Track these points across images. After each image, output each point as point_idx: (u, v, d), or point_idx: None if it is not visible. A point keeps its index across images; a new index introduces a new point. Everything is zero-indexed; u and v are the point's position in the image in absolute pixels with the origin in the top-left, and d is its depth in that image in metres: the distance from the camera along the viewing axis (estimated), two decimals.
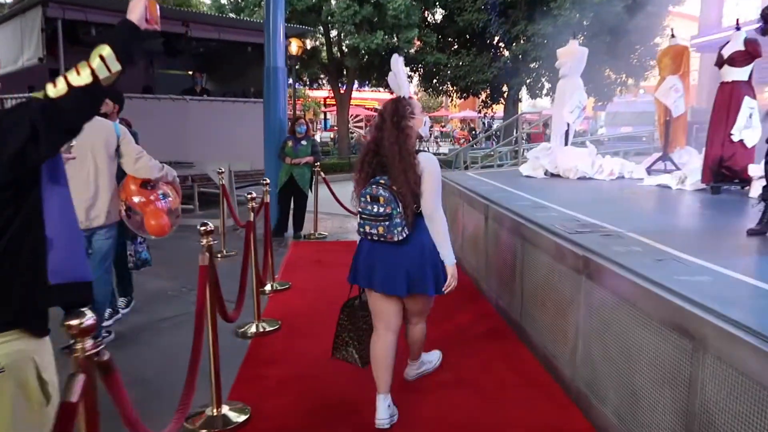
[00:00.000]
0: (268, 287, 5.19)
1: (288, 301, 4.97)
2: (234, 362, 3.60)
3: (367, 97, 30.29)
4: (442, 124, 41.44)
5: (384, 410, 2.87)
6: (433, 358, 3.49)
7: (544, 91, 19.66)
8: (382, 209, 2.68)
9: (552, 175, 7.30)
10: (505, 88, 19.62)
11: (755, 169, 5.49)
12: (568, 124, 7.49)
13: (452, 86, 19.90)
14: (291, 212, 7.73)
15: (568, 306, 3.25)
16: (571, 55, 7.40)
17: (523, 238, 4.07)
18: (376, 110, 30.87)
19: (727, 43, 5.56)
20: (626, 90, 21.11)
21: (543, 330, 3.65)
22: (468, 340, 4.03)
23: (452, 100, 22.98)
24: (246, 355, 3.77)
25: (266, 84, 8.09)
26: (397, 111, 2.77)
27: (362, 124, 30.72)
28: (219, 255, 6.42)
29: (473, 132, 26.89)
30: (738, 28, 5.55)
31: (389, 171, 2.74)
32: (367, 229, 2.76)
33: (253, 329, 4.18)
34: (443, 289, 2.85)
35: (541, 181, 7.00)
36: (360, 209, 2.78)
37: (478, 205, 5.29)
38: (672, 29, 7.68)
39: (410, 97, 2.87)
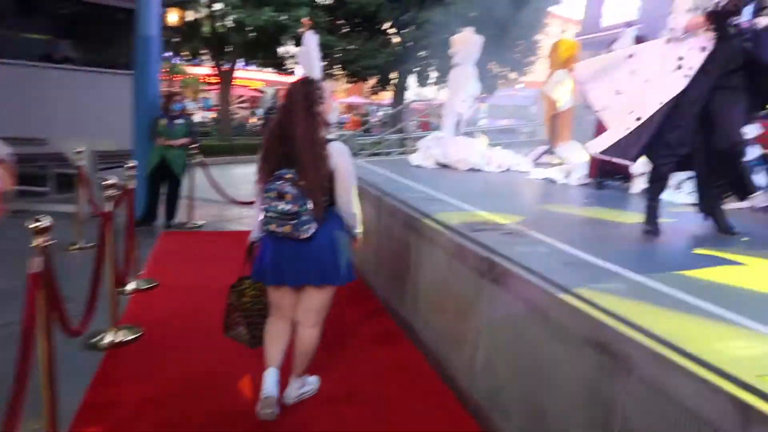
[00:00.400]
0: (130, 286, 4.52)
1: (153, 302, 4.34)
2: (80, 383, 2.99)
3: (253, 77, 28.99)
4: None
5: (271, 385, 2.71)
6: (313, 380, 3.08)
7: (432, 80, 19.80)
8: (288, 207, 2.48)
9: (442, 165, 7.16)
10: (394, 75, 19.50)
11: (638, 165, 5.62)
12: (460, 114, 7.38)
13: (341, 70, 19.47)
14: (163, 198, 6.98)
15: (469, 310, 2.99)
16: (465, 43, 7.27)
17: (418, 234, 3.78)
18: (261, 91, 29.82)
19: (615, 40, 5.63)
20: (508, 83, 21.82)
21: (439, 334, 3.38)
22: (358, 345, 3.68)
23: (341, 84, 22.55)
24: (96, 374, 3.15)
25: (137, 55, 7.20)
26: (308, 94, 2.55)
27: (246, 104, 29.44)
28: (73, 248, 5.60)
29: (366, 119, 26.74)
30: (628, 26, 5.63)
31: (297, 163, 2.50)
32: (273, 227, 2.54)
33: (107, 339, 3.54)
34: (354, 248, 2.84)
35: (432, 171, 6.81)
36: (264, 206, 2.54)
37: (369, 196, 4.94)
38: (564, 22, 7.77)
39: (321, 80, 2.73)
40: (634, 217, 4.04)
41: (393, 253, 4.25)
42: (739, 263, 2.92)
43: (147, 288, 4.60)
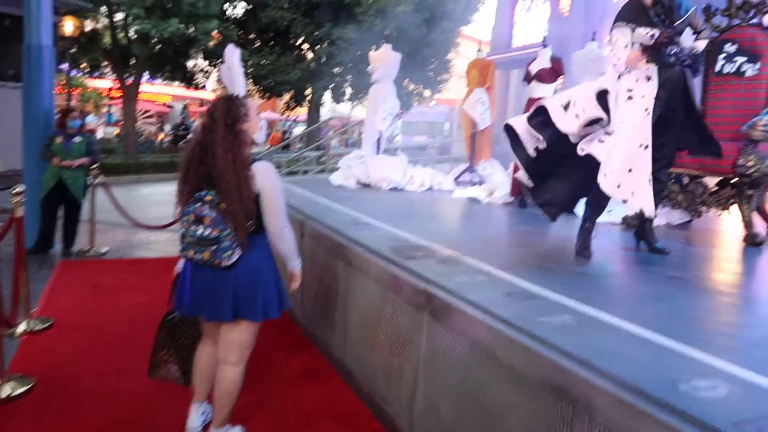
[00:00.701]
0: (20, 328, 3.99)
1: (49, 346, 3.83)
2: None
3: (160, 92, 27.71)
4: None
5: (197, 418, 2.69)
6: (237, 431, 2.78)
7: (347, 97, 19.75)
8: (207, 232, 2.32)
9: (364, 184, 6.99)
10: (308, 91, 19.26)
11: None
12: (381, 132, 7.26)
13: (254, 85, 19.00)
14: (61, 224, 6.35)
15: (406, 346, 2.80)
16: (384, 60, 7.17)
17: (347, 262, 3.57)
18: (169, 106, 28.56)
19: (534, 59, 5.70)
20: (422, 101, 22.16)
21: (373, 371, 3.16)
22: (284, 385, 3.39)
23: (253, 100, 22.01)
24: None
25: (26, 66, 6.53)
26: (230, 112, 2.40)
27: (153, 120, 28.12)
28: None
29: (286, 135, 26.18)
30: (545, 46, 5.72)
31: (218, 184, 2.35)
32: (191, 253, 2.37)
33: None
34: (290, 288, 2.69)
35: (354, 192, 6.62)
36: (182, 231, 2.39)
37: (291, 220, 4.65)
38: (479, 42, 7.87)
39: (245, 96, 2.52)
40: (560, 237, 4.04)
41: (320, 283, 4.00)
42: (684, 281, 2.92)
43: (41, 329, 4.07)
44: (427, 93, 20.24)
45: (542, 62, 5.60)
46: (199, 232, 2.32)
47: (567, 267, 3.26)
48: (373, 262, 3.21)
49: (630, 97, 3.19)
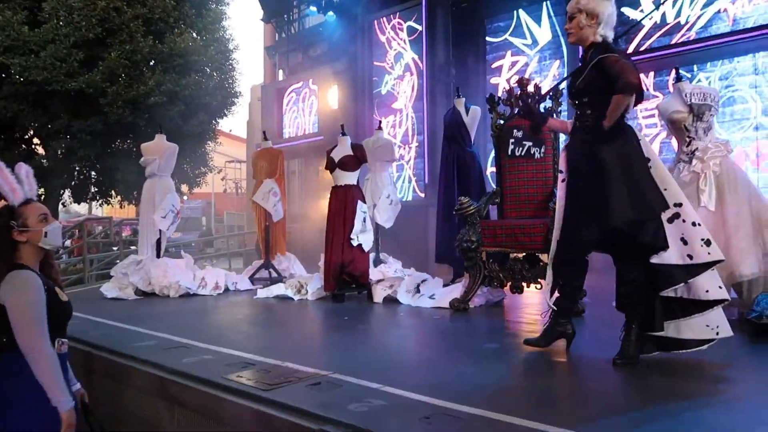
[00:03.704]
0: None
1: None
2: None
3: None
4: None
5: None
6: None
7: (89, 195, 17.56)
8: None
9: (145, 293, 5.91)
10: (41, 191, 16.64)
11: (375, 273, 5.47)
12: (161, 231, 6.29)
13: None
14: None
15: None
16: (160, 151, 6.34)
17: (177, 404, 2.71)
18: None
19: (335, 147, 5.51)
20: (180, 196, 20.87)
21: None
22: None
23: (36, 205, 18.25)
24: None
25: None
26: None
27: None
28: None
29: None
30: (344, 134, 5.58)
31: None
32: None
33: None
34: None
35: (137, 304, 5.52)
36: None
37: (73, 352, 3.53)
38: (264, 132, 7.49)
39: (25, 203, 2.26)
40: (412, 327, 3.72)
41: None
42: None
43: None
44: (185, 188, 19.10)
45: (343, 150, 5.43)
46: None
47: (470, 370, 2.90)
48: (224, 401, 2.44)
49: (563, 180, 3.13)
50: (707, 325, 2.69)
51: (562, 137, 4.32)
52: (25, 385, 2.07)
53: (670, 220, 2.73)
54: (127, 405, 3.04)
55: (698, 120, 3.92)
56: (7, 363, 2.09)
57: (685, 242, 2.71)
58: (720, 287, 2.68)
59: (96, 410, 3.21)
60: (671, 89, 4.29)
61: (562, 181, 3.07)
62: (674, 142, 4.91)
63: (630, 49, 8.09)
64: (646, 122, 7.93)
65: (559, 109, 4.78)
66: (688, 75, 7.03)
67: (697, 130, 3.93)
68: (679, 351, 2.78)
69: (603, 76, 2.75)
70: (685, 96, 3.90)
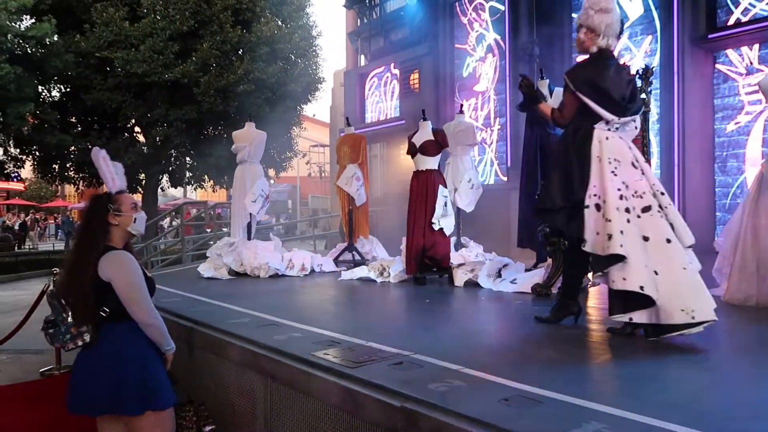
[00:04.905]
0: None
1: None
2: None
3: None
4: (56, 216, 35.72)
5: None
6: None
7: (185, 180, 18.58)
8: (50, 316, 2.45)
9: (237, 274, 6.26)
10: (142, 176, 17.80)
11: (456, 257, 5.51)
12: (251, 215, 6.62)
13: (78, 173, 17.12)
14: None
15: None
16: (250, 138, 6.65)
17: (272, 378, 2.90)
18: None
19: (416, 132, 5.58)
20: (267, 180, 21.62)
21: None
22: None
23: (77, 188, 19.74)
24: None
25: None
26: (89, 210, 2.52)
27: None
28: None
29: None
30: (425, 118, 5.63)
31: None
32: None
33: None
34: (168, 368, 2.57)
35: (230, 283, 5.86)
36: None
37: (175, 327, 3.84)
38: (347, 118, 7.68)
39: (119, 192, 2.56)
40: (494, 313, 3.75)
41: (226, 405, 3.24)
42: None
43: None
44: (271, 172, 19.79)
45: (424, 135, 5.48)
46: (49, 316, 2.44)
47: (550, 354, 2.92)
48: (312, 376, 2.60)
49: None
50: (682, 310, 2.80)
51: (652, 121, 4.23)
52: (140, 345, 2.45)
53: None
54: (226, 375, 3.28)
55: None
56: (118, 331, 2.41)
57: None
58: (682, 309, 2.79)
59: (199, 379, 3.51)
60: None
61: None
62: None
63: (731, 21, 7.59)
64: (749, 98, 7.42)
65: (649, 89, 4.60)
66: None
67: None
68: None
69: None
70: None
